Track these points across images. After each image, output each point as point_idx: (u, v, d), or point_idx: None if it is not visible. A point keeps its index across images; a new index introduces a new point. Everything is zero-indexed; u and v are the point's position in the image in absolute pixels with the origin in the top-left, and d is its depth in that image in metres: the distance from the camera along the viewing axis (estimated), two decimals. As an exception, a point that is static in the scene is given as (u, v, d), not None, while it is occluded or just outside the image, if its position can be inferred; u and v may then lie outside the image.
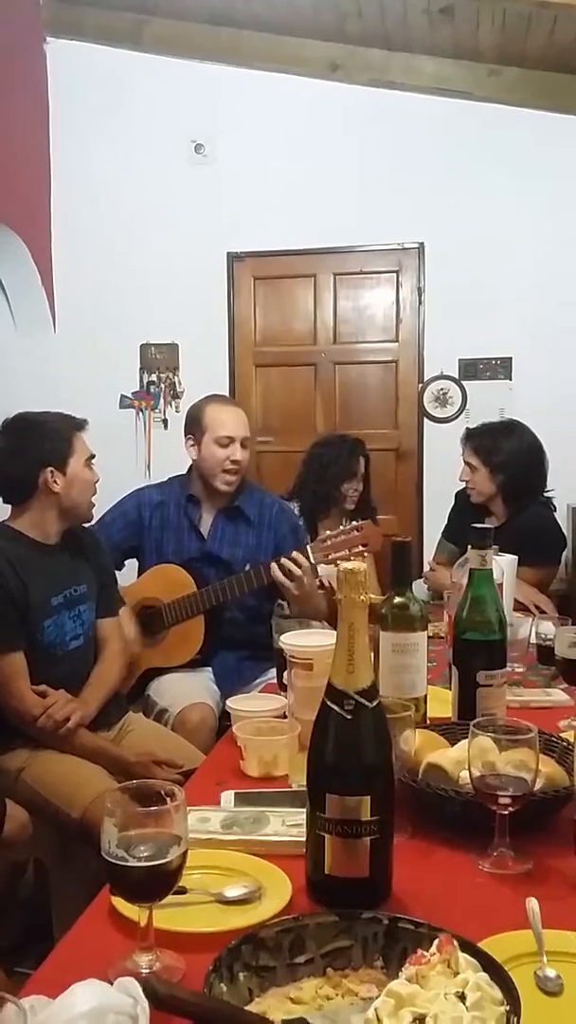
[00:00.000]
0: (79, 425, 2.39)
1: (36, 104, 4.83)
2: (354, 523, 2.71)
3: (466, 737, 1.26)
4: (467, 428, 3.36)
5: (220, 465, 2.82)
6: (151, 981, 0.86)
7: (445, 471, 3.96)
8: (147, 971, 0.96)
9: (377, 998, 0.84)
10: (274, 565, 2.59)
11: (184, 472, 3.00)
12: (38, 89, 4.85)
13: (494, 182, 4.58)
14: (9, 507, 2.38)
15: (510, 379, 4.70)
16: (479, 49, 4.38)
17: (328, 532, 2.67)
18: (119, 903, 1.07)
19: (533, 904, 1.02)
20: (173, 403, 4.98)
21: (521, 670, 2.07)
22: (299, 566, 2.56)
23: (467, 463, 3.20)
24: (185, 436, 2.92)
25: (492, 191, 4.59)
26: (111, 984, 0.87)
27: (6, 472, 2.31)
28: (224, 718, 2.44)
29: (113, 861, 0.97)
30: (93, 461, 2.39)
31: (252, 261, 4.94)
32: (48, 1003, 0.86)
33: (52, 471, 2.29)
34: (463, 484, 3.27)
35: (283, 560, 2.59)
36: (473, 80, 4.54)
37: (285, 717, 1.66)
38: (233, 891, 1.13)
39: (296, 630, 1.80)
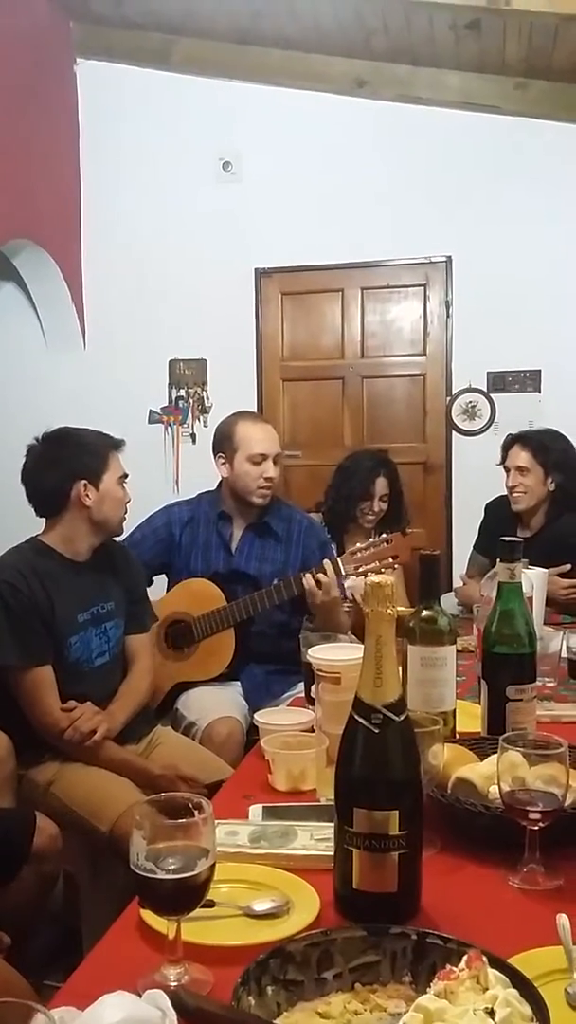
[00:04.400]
0: (116, 444, 2.42)
1: (67, 124, 4.90)
2: (383, 535, 2.70)
3: (495, 752, 1.25)
4: (510, 434, 3.34)
5: (255, 482, 2.82)
6: (180, 994, 0.86)
7: (474, 484, 3.96)
8: (175, 984, 0.96)
9: (405, 1013, 0.84)
10: (307, 575, 2.60)
11: (212, 488, 3.01)
12: (68, 110, 4.92)
13: (521, 195, 4.58)
14: (38, 526, 2.40)
15: (539, 391, 4.68)
16: (506, 63, 4.38)
17: (359, 544, 2.67)
18: (148, 916, 1.08)
19: (564, 920, 1.01)
20: (201, 418, 5.01)
21: (552, 684, 2.05)
22: (326, 576, 2.58)
23: (517, 468, 3.17)
24: (215, 454, 2.92)
25: (519, 204, 4.58)
26: (140, 996, 0.88)
27: (41, 482, 2.34)
28: (252, 732, 2.44)
29: (141, 874, 0.98)
30: (126, 481, 2.41)
31: (279, 276, 4.96)
32: (77, 1015, 0.86)
33: (86, 484, 2.31)
34: (502, 495, 3.25)
35: (314, 570, 2.60)
36: (500, 94, 4.55)
37: (313, 731, 1.66)
38: (261, 905, 1.13)
39: (323, 643, 1.80)
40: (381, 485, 3.40)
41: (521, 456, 3.17)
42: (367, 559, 2.57)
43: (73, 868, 2.23)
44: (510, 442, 3.26)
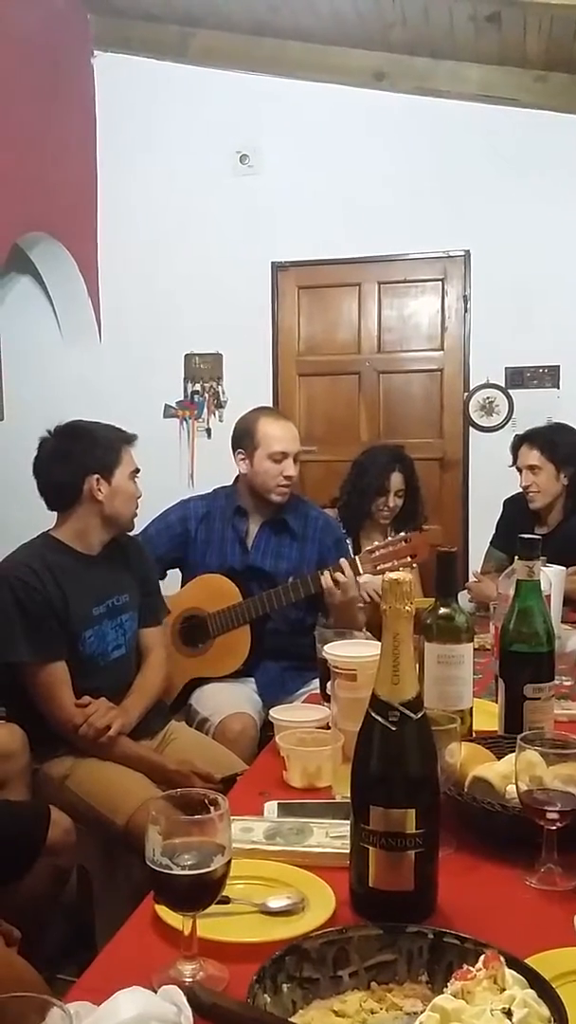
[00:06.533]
0: (128, 439, 2.42)
1: (84, 117, 4.91)
2: (402, 534, 2.69)
3: (512, 751, 1.25)
4: (516, 435, 3.34)
5: (274, 480, 2.81)
6: (195, 990, 0.86)
7: (491, 480, 3.94)
8: (191, 980, 0.96)
9: (422, 1013, 0.83)
10: (325, 573, 2.60)
11: (228, 483, 3.00)
12: (86, 102, 4.92)
13: (540, 189, 4.55)
14: (50, 522, 2.40)
15: (558, 387, 4.65)
16: (525, 55, 4.35)
17: (376, 543, 2.66)
18: (163, 911, 1.08)
19: (582, 922, 1.01)
20: (217, 412, 5.01)
21: (569, 683, 2.04)
22: (344, 576, 2.57)
23: (529, 467, 3.17)
24: (234, 450, 2.90)
25: (539, 198, 4.55)
26: (155, 992, 0.88)
27: (53, 476, 2.34)
28: (265, 728, 2.44)
29: (157, 869, 0.98)
30: (138, 476, 2.41)
31: (296, 270, 4.95)
32: (92, 1009, 0.86)
33: (98, 479, 2.31)
34: (519, 492, 3.24)
35: (331, 569, 2.59)
36: (519, 86, 4.52)
37: (328, 728, 1.65)
38: (277, 902, 1.13)
39: (338, 640, 1.79)
40: (396, 480, 3.38)
41: (531, 455, 3.17)
42: (385, 558, 2.56)
43: (87, 862, 2.24)
44: (518, 443, 3.26)
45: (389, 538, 2.73)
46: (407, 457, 3.50)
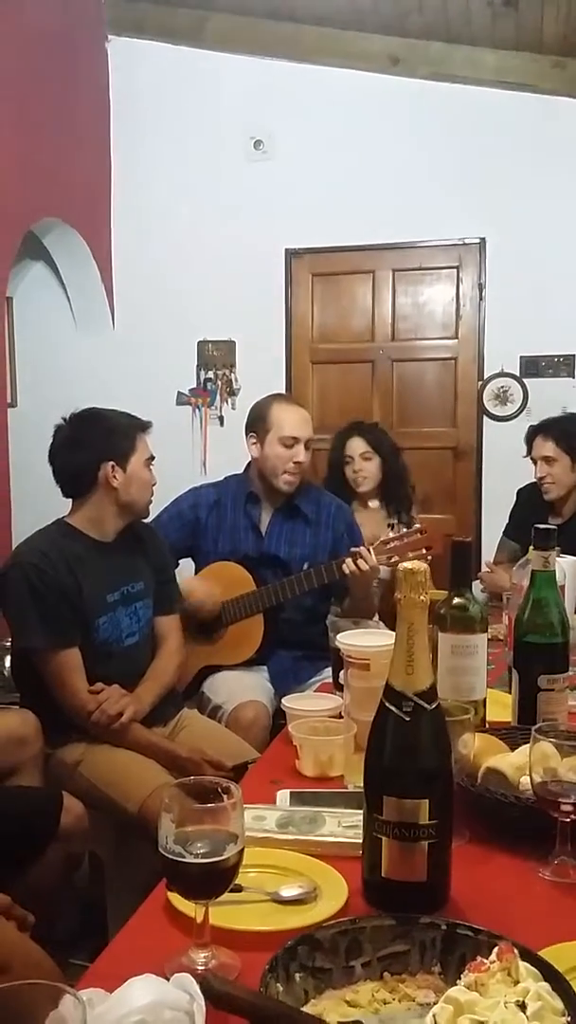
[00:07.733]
0: (143, 426, 2.42)
1: (97, 102, 4.88)
2: (417, 526, 2.69)
3: (526, 742, 1.24)
4: (531, 426, 3.33)
5: (283, 465, 2.81)
6: (208, 978, 0.86)
7: (505, 470, 3.92)
8: (203, 968, 0.96)
9: (435, 1004, 0.83)
10: (348, 560, 2.59)
11: (240, 471, 3.00)
12: (99, 87, 4.90)
13: (557, 176, 4.51)
14: (64, 509, 2.40)
15: (573, 376, 4.62)
16: (543, 41, 4.31)
17: (391, 534, 2.66)
18: (175, 899, 1.08)
19: (596, 914, 1.00)
20: (229, 400, 4.99)
21: (583, 674, 2.02)
22: (367, 562, 2.57)
23: (543, 458, 3.16)
24: (247, 433, 2.90)
25: (555, 185, 4.51)
26: (167, 980, 0.88)
27: (68, 463, 2.34)
28: (278, 716, 2.44)
29: (170, 857, 0.98)
30: (153, 463, 2.41)
31: (310, 257, 4.93)
32: (105, 996, 0.86)
33: (113, 465, 2.31)
34: (534, 482, 3.24)
35: (352, 555, 2.59)
36: (537, 72, 4.47)
37: (341, 717, 1.65)
38: (289, 891, 1.13)
39: (352, 629, 1.79)
40: (356, 444, 3.49)
41: (546, 446, 3.16)
42: (400, 550, 2.55)
43: (99, 848, 2.25)
44: (532, 433, 3.25)
45: (404, 530, 2.72)
46: (368, 424, 3.63)
